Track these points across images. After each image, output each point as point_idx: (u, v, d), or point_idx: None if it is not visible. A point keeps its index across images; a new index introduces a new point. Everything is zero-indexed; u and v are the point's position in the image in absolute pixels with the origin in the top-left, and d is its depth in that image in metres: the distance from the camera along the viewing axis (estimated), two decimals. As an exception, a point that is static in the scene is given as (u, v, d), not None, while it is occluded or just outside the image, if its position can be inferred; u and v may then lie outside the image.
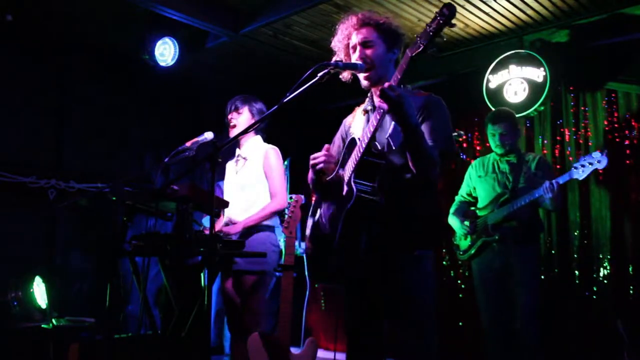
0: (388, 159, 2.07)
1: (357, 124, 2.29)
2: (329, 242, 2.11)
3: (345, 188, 2.10)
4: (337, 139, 2.43)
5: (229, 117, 3.45)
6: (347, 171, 2.11)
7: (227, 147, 3.45)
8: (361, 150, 2.04)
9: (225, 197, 3.45)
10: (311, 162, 2.19)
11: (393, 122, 2.08)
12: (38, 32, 4.71)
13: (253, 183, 3.37)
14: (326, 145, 2.24)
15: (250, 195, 3.36)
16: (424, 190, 2.10)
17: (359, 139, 2.11)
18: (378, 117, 1.99)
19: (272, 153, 3.39)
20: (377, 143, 2.09)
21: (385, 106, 1.92)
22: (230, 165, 3.54)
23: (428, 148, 1.99)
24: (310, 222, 2.36)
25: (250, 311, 3.22)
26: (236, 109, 3.42)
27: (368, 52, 2.16)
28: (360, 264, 2.11)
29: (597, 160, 3.34)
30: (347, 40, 2.23)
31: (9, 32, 4.50)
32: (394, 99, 1.86)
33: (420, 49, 1.87)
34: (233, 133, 3.41)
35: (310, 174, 2.22)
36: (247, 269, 3.21)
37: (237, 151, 3.51)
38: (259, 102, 3.49)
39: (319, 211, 2.32)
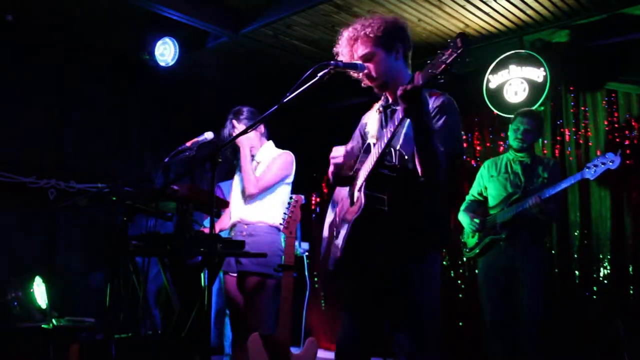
0: (400, 171, 2.05)
1: (372, 124, 2.29)
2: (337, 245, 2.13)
3: (357, 194, 2.11)
4: (357, 135, 2.43)
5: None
6: (361, 177, 2.12)
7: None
8: (374, 161, 2.03)
9: (236, 200, 3.44)
10: (331, 157, 2.18)
11: (404, 132, 2.08)
12: (38, 32, 4.71)
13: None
14: (345, 148, 2.22)
15: (266, 196, 3.35)
16: (434, 192, 2.09)
17: (374, 145, 2.11)
18: (392, 129, 1.97)
19: (283, 155, 3.40)
20: (392, 149, 2.07)
21: (400, 114, 1.90)
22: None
23: (437, 151, 1.95)
24: (328, 219, 2.38)
25: (254, 312, 3.21)
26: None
27: (370, 65, 2.16)
28: (364, 270, 2.12)
29: (611, 160, 3.36)
30: (350, 52, 2.22)
31: (9, 32, 4.49)
32: (414, 96, 1.80)
33: (429, 80, 1.75)
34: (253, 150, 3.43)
35: (331, 168, 2.22)
36: (252, 269, 3.21)
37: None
38: (244, 110, 3.44)
39: (336, 209, 2.33)
